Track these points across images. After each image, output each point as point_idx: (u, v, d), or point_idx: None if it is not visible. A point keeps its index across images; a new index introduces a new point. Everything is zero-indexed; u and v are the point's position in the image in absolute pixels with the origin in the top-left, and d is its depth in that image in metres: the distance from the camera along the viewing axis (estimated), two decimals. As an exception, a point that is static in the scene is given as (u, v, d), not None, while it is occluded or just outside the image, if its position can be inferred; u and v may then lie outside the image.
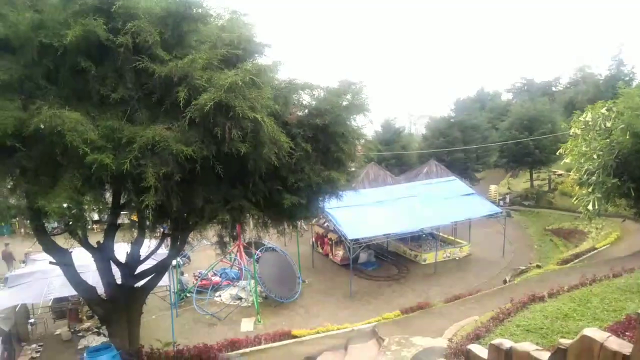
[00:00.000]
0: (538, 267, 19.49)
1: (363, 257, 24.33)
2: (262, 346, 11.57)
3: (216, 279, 21.26)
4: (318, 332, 12.63)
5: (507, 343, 5.40)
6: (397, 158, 41.02)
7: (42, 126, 5.66)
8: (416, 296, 19.35)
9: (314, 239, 27.41)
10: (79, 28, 5.68)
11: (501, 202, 36.97)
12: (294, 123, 7.33)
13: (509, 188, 43.58)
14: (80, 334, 16.27)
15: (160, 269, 9.30)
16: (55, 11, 5.98)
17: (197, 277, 21.24)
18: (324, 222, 25.73)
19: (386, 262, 25.03)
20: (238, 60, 6.96)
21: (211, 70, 6.29)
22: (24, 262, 22.03)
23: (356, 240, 20.32)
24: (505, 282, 17.74)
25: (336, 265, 24.60)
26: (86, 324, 16.70)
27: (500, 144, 38.40)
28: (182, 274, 21.15)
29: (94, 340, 15.43)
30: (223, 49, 6.57)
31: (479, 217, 24.15)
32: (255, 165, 6.67)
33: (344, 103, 7.77)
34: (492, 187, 40.09)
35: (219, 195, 7.25)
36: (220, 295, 20.15)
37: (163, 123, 6.16)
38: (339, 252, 24.63)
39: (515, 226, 31.29)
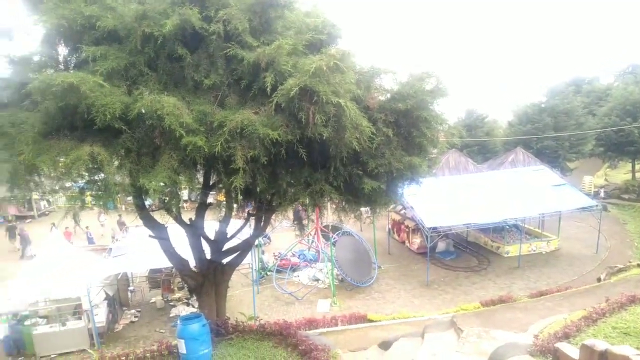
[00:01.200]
0: (639, 266, 17.74)
1: (441, 246, 23.75)
2: (339, 327, 11.82)
3: (295, 259, 21.97)
4: (394, 318, 12.63)
5: (602, 344, 5.04)
6: (480, 145, 39.19)
7: (143, 110, 6.16)
8: (497, 289, 18.60)
9: (390, 226, 27.22)
10: (177, 17, 6.07)
11: (597, 195, 33.99)
12: (375, 108, 7.27)
13: (606, 180, 39.94)
14: (171, 303, 17.74)
15: (245, 247, 9.81)
16: (155, 2, 6.43)
17: (276, 257, 22.09)
18: (401, 209, 25.40)
19: (465, 252, 24.24)
20: (322, 45, 7.04)
21: (296, 56, 6.43)
22: (113, 237, 24.42)
23: (434, 229, 19.86)
24: (599, 280, 16.38)
25: (412, 253, 24.28)
26: (177, 295, 18.15)
27: (597, 131, 35.12)
28: (262, 253, 22.12)
29: (184, 310, 16.74)
30: (308, 34, 6.67)
31: (570, 210, 22.45)
32: (336, 149, 6.73)
33: (428, 87, 7.57)
34: (587, 178, 36.96)
35: (301, 179, 7.43)
36: (298, 276, 20.81)
37: (251, 108, 6.42)
38: (416, 240, 24.25)
39: (612, 221, 28.68)
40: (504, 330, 9.30)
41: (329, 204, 11.86)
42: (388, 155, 7.30)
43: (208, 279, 9.31)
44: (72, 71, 7.07)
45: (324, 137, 6.32)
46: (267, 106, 6.30)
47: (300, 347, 8.31)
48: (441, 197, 21.41)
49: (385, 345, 10.02)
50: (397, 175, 7.57)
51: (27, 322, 14.39)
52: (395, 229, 26.92)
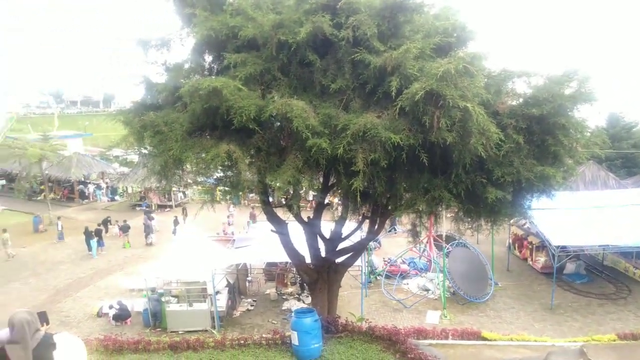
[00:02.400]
0: None
1: (570, 267, 21.41)
2: (449, 341, 11.33)
3: (404, 266, 21.59)
4: (512, 340, 11.73)
5: None
6: (624, 158, 34.54)
7: (274, 112, 6.61)
8: (639, 323, 16.23)
9: (511, 240, 25.31)
10: (310, 25, 6.43)
11: None
12: (505, 113, 6.86)
13: None
14: (284, 297, 18.61)
15: (358, 249, 9.95)
16: (290, 11, 6.88)
17: (386, 263, 21.92)
18: (524, 223, 23.46)
19: (600, 277, 21.55)
20: (450, 48, 6.87)
21: (423, 60, 6.36)
22: (221, 230, 26.01)
23: (563, 248, 17.99)
24: None
25: (535, 272, 22.26)
26: (290, 289, 18.99)
27: None
28: (370, 256, 22.10)
29: (295, 305, 17.44)
30: (436, 37, 6.56)
31: None
32: (459, 155, 6.51)
33: (567, 92, 6.93)
34: None
35: (420, 184, 7.31)
36: (407, 284, 20.41)
37: (374, 112, 6.52)
38: (541, 258, 22.21)
39: None
40: (649, 370, 8.11)
41: (444, 212, 11.49)
42: (517, 164, 6.82)
43: (322, 276, 9.64)
44: (214, 77, 7.88)
45: (447, 143, 6.15)
46: (391, 110, 6.34)
47: (409, 355, 8.16)
48: (574, 213, 19.31)
49: (501, 368, 9.37)
50: (526, 185, 7.05)
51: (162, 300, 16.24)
52: (516, 245, 24.96)
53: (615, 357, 8.75)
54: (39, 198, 34.62)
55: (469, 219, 9.12)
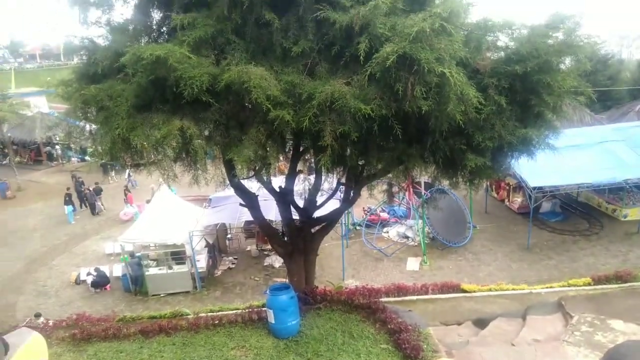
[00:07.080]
0: None
1: (546, 206, 21.70)
2: (429, 296, 11.39)
3: (384, 215, 21.57)
4: (490, 290, 11.86)
5: None
6: (599, 92, 34.35)
7: (230, 82, 5.85)
8: (610, 257, 16.81)
9: (488, 183, 25.41)
10: (264, -22, 5.54)
11: None
12: (486, 71, 6.22)
13: None
14: (265, 253, 18.50)
15: (334, 217, 9.50)
16: (242, -38, 5.92)
17: (366, 212, 21.84)
18: (502, 165, 23.47)
19: (574, 214, 21.96)
20: (426, 1, 6.09)
21: (395, 15, 5.61)
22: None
23: (539, 189, 18.06)
24: None
25: (512, 212, 22.56)
26: (270, 246, 18.86)
27: None
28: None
29: (276, 260, 17.34)
30: (410, -12, 5.77)
31: None
32: (436, 122, 5.95)
33: (552, 43, 6.29)
34: None
35: (394, 155, 6.80)
36: (387, 232, 20.48)
37: (342, 77, 5.84)
38: (517, 199, 22.43)
39: None
40: (625, 321, 8.20)
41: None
42: (498, 127, 6.29)
43: (297, 246, 9.25)
44: (163, 40, 6.98)
45: (423, 111, 5.57)
46: (360, 75, 5.66)
47: (389, 326, 8.04)
48: (549, 153, 19.22)
49: (480, 324, 9.44)
50: (508, 149, 6.60)
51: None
52: (493, 187, 25.12)
53: (592, 308, 8.83)
54: (4, 162, 33.04)
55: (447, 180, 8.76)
